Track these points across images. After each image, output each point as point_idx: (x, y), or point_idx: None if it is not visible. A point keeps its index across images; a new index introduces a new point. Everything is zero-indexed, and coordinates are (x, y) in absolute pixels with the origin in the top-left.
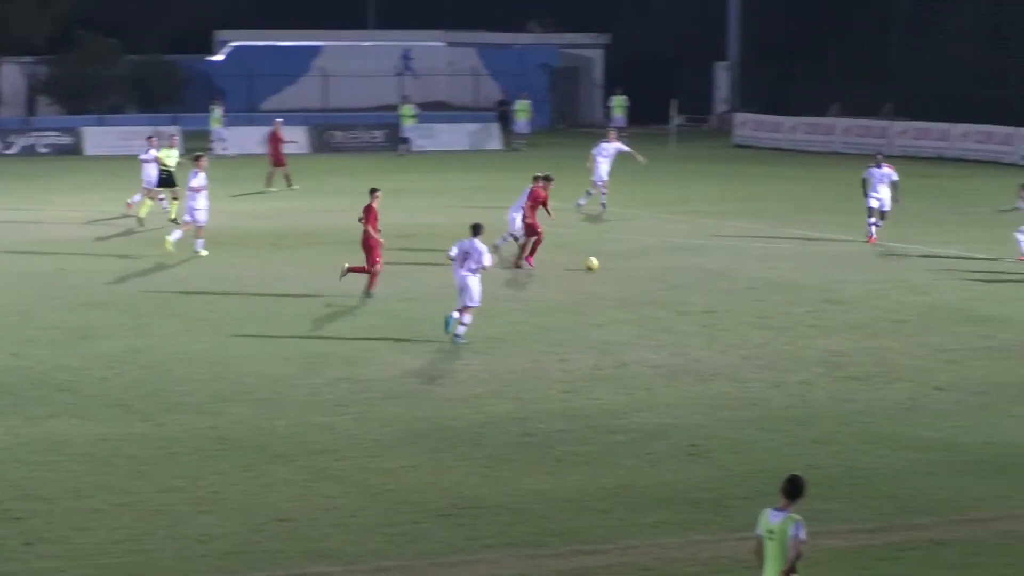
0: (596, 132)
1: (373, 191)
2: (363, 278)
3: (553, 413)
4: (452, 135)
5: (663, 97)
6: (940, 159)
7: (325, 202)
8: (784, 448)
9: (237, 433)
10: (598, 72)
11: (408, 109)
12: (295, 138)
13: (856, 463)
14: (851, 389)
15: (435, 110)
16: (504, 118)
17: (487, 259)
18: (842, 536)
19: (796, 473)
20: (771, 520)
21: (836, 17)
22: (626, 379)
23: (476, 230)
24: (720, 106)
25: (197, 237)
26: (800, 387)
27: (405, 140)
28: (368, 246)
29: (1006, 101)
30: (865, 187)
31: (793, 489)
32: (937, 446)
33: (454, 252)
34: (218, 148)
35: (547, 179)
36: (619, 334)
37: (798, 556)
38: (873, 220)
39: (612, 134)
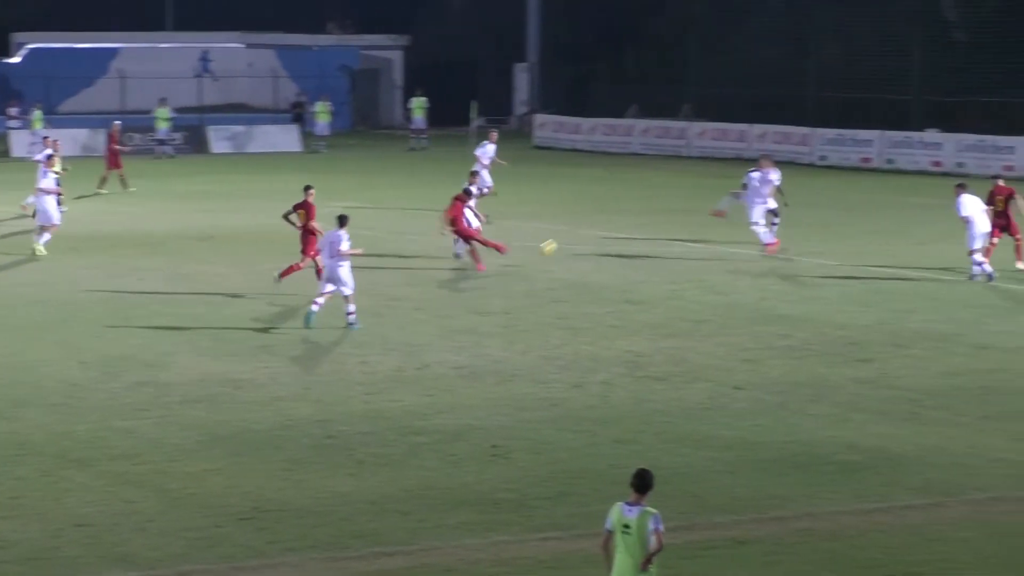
0: (396, 134)
1: (307, 188)
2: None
3: (355, 415)
4: (251, 137)
5: (463, 99)
6: (738, 160)
7: (128, 206)
8: (585, 448)
9: (36, 438)
10: (398, 74)
11: (163, 112)
12: (92, 141)
13: (657, 462)
14: (651, 389)
15: (235, 112)
16: (299, 119)
17: (344, 246)
18: None
19: (643, 467)
20: (626, 515)
21: (634, 19)
22: (427, 381)
23: (342, 221)
24: (520, 107)
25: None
26: (601, 387)
27: (162, 143)
28: (305, 241)
29: (803, 102)
30: (745, 191)
31: (642, 483)
32: (737, 445)
33: (321, 243)
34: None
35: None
36: (420, 336)
37: (660, 548)
38: (772, 223)
39: (494, 134)
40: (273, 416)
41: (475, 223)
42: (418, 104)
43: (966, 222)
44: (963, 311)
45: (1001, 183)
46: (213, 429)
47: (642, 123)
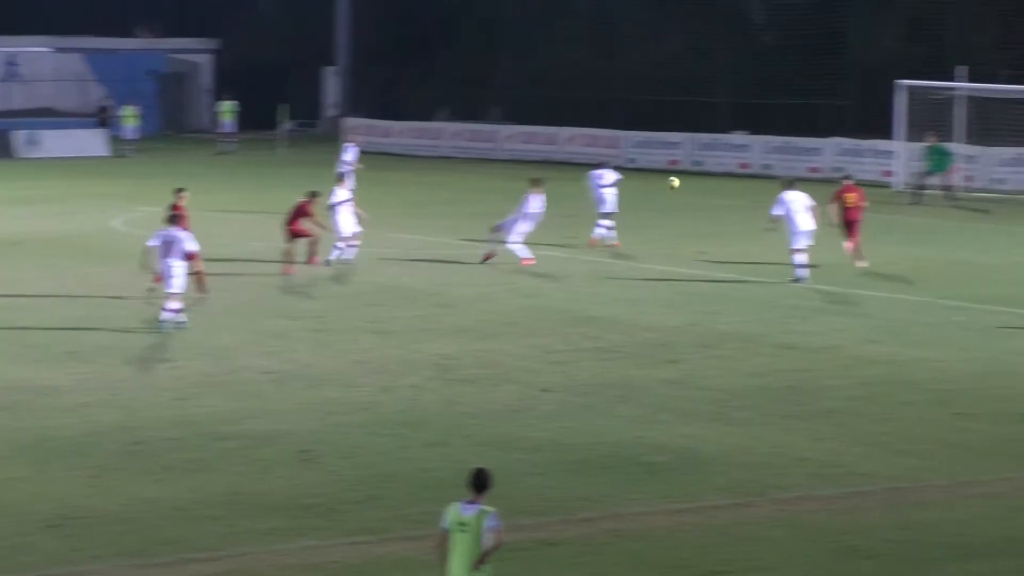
0: (205, 138)
1: (178, 191)
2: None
3: (163, 421)
4: (58, 141)
5: (273, 102)
6: (548, 162)
7: None
8: (395, 452)
9: None
10: (207, 77)
11: None
12: None
13: (467, 465)
14: (461, 392)
15: (41, 116)
16: (105, 123)
17: (191, 246)
18: None
19: (481, 466)
20: (464, 513)
21: (444, 22)
22: (236, 385)
23: (173, 220)
24: (330, 111)
25: None
26: (411, 391)
27: None
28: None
29: (611, 105)
30: (590, 191)
31: (479, 482)
32: (546, 447)
33: (155, 242)
34: None
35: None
36: (230, 340)
37: (498, 545)
38: (606, 223)
39: (357, 136)
40: (79, 423)
41: (346, 224)
42: (227, 108)
43: (782, 220)
44: (769, 312)
45: (850, 183)
46: (16, 436)
47: (452, 126)
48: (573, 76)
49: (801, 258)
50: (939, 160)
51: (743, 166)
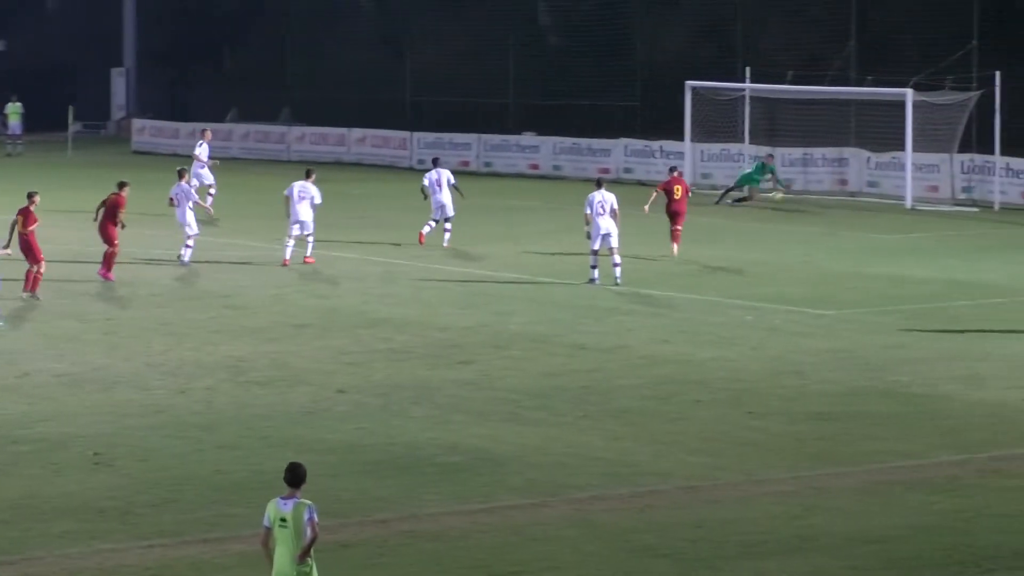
0: None
1: (30, 195)
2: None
3: None
4: None
5: (61, 104)
6: (338, 163)
7: None
8: (190, 454)
9: None
10: None
11: None
12: None
13: (262, 467)
14: (255, 394)
15: None
16: None
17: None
18: (248, 541)
19: (295, 461)
20: (282, 508)
21: (232, 23)
22: (28, 389)
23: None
24: (118, 112)
25: None
26: (205, 393)
27: None
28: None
29: (401, 106)
30: (425, 192)
31: (294, 476)
32: (340, 448)
33: None
34: None
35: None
36: (20, 343)
37: (315, 538)
38: (434, 220)
39: (208, 133)
40: None
41: (191, 222)
42: (13, 110)
43: (588, 220)
44: (561, 312)
45: (677, 174)
46: None
47: (242, 127)
48: (363, 77)
49: (594, 260)
50: (756, 177)
51: (533, 167)
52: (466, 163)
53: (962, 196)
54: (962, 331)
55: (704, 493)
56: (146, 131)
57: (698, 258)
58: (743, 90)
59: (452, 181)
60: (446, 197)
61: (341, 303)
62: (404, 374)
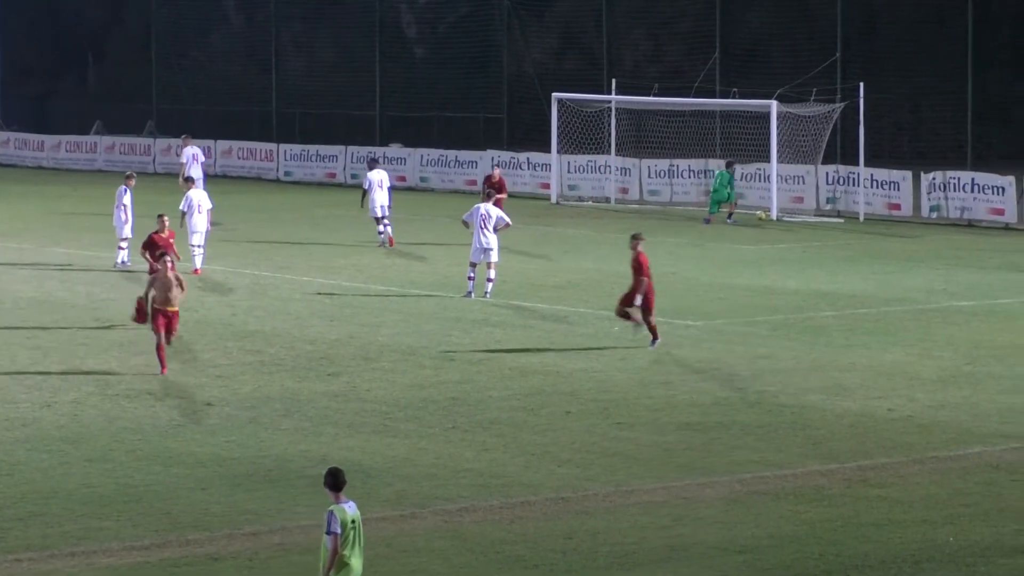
0: None
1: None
2: None
3: None
4: None
5: None
6: (206, 176)
7: None
8: (57, 468)
9: None
10: None
11: None
12: None
13: (130, 480)
14: (122, 407)
15: None
16: None
17: None
18: (117, 554)
19: (334, 466)
20: (349, 511)
21: (96, 35)
22: None
23: None
24: None
25: None
26: (72, 406)
27: None
28: None
29: (268, 118)
30: (364, 196)
31: (337, 481)
32: (209, 461)
33: None
34: None
35: None
36: None
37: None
38: (381, 227)
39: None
40: None
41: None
42: None
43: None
44: (429, 324)
45: (497, 173)
46: None
47: (107, 140)
48: (229, 88)
49: (472, 273)
50: (726, 191)
51: (400, 179)
52: (333, 175)
53: (827, 207)
54: (827, 342)
55: (574, 504)
56: (10, 144)
57: (563, 269)
58: (609, 102)
59: (389, 184)
60: (382, 198)
61: (209, 315)
62: (273, 387)
